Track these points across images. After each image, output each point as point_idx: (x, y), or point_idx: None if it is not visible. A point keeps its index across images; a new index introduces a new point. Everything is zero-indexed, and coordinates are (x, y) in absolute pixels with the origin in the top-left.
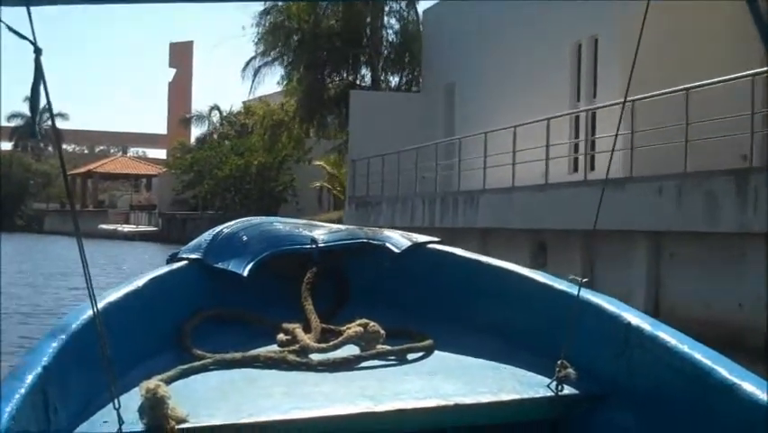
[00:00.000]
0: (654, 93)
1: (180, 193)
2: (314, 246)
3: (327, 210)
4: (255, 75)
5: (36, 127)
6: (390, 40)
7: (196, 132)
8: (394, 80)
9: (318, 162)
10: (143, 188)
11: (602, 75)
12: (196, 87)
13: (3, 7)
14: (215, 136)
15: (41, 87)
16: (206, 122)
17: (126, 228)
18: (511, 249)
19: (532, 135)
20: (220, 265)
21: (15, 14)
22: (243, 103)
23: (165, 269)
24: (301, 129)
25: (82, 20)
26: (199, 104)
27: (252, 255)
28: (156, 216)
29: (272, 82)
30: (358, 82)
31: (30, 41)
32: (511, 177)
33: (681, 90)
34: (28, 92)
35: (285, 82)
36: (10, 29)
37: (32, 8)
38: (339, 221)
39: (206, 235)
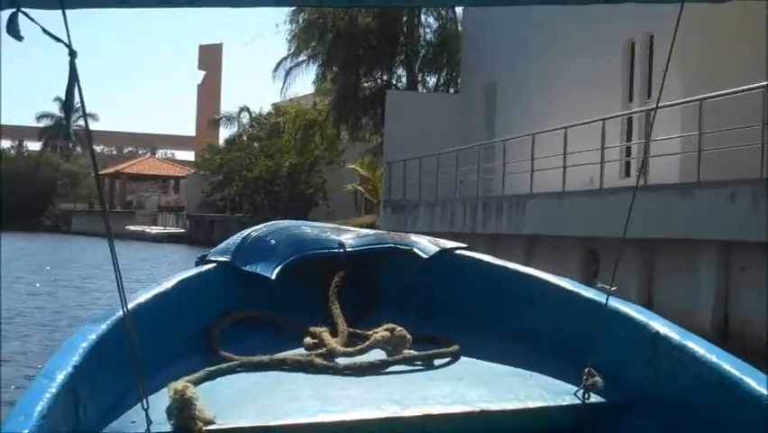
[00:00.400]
0: (722, 92)
1: (209, 195)
2: (341, 250)
3: (360, 214)
4: (287, 76)
5: (70, 129)
6: (428, 38)
7: (225, 133)
8: (431, 81)
9: (351, 165)
10: (171, 190)
11: (658, 74)
12: (225, 89)
13: (37, 10)
14: (245, 138)
15: (76, 90)
16: (236, 123)
17: (154, 230)
18: (559, 257)
19: (579, 138)
20: (248, 268)
21: (48, 16)
22: (273, 105)
23: (194, 271)
24: (334, 129)
25: (112, 21)
26: (229, 105)
27: (280, 259)
28: (184, 217)
29: (304, 84)
30: (394, 82)
31: (65, 44)
32: (559, 181)
33: (757, 89)
34: (58, 93)
35: (318, 81)
36: (46, 32)
37: (66, 11)
38: (372, 225)
39: (235, 238)
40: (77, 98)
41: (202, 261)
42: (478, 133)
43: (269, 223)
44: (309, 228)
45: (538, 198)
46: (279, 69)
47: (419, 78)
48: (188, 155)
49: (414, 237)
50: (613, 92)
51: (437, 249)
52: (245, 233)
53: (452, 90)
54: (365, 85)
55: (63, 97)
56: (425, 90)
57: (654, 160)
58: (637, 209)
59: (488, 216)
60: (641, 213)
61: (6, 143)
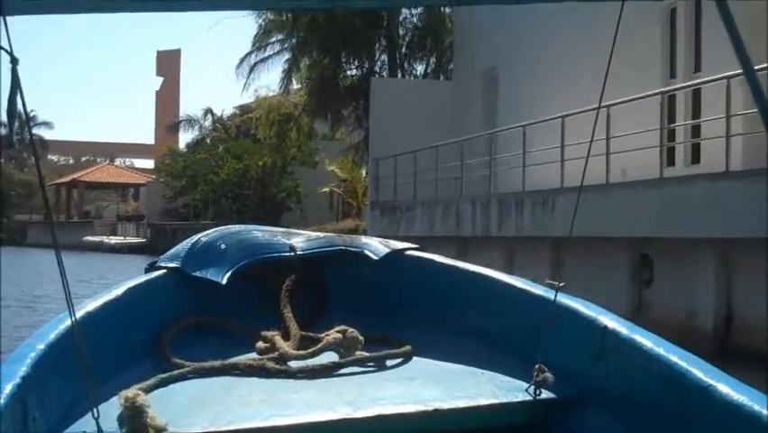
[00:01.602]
0: None
1: (172, 200)
2: (292, 254)
3: (337, 219)
4: (251, 72)
5: (14, 137)
6: (413, 22)
7: (187, 138)
8: (419, 68)
9: (330, 167)
10: (131, 198)
11: (709, 43)
12: (184, 96)
13: None
14: (208, 141)
15: (18, 97)
16: (197, 126)
17: (113, 240)
18: (601, 263)
19: (603, 124)
20: (198, 274)
21: None
22: (237, 107)
23: (143, 278)
24: (312, 124)
25: (67, 29)
26: (188, 111)
27: (231, 264)
28: (144, 226)
29: (269, 79)
30: (377, 70)
31: (6, 51)
32: (575, 174)
33: None
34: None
35: (287, 73)
36: None
37: (8, 18)
38: (356, 231)
39: (184, 244)
40: (20, 106)
41: (152, 267)
42: (475, 123)
43: (219, 228)
44: (260, 232)
45: (572, 194)
46: (243, 66)
47: (404, 66)
48: (148, 164)
49: (364, 239)
50: (649, 68)
51: (388, 250)
52: (195, 238)
53: (441, 79)
54: (346, 73)
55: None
56: (411, 78)
57: (708, 145)
58: (712, 203)
59: (505, 217)
60: (716, 208)
61: None
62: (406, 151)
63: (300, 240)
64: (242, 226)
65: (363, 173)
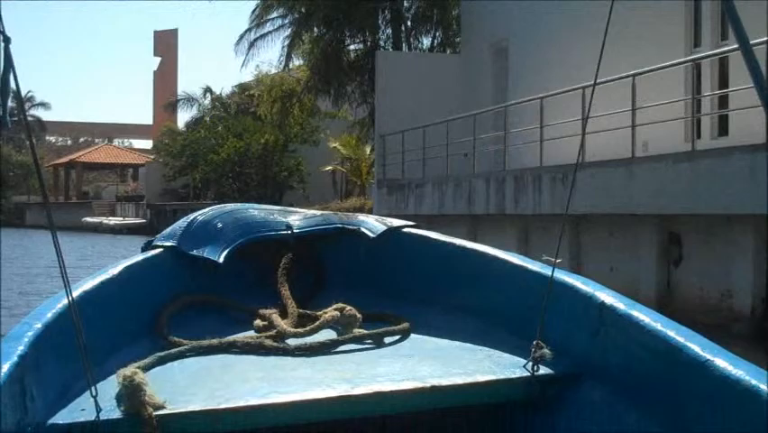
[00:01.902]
0: None
1: (171, 180)
2: (289, 232)
3: (342, 198)
4: (250, 48)
5: (7, 117)
6: None
7: (185, 117)
8: (425, 42)
9: (333, 144)
10: (130, 179)
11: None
12: (182, 75)
13: None
14: (207, 119)
15: (11, 77)
16: (196, 105)
17: (112, 221)
18: (626, 241)
19: (620, 95)
20: (195, 252)
21: None
22: (237, 85)
23: (140, 257)
24: (315, 100)
25: (64, 9)
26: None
27: (227, 242)
28: (144, 207)
29: (269, 58)
30: (382, 44)
31: None
32: (592, 149)
33: None
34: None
35: (287, 49)
36: None
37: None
38: (361, 209)
39: (181, 223)
40: (14, 86)
41: (148, 246)
42: (485, 97)
43: (215, 206)
44: (256, 211)
45: (594, 169)
46: (242, 43)
47: (410, 40)
48: (147, 144)
49: (361, 217)
50: (671, 37)
51: (384, 228)
52: (191, 217)
53: (448, 53)
54: (350, 48)
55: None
56: (418, 52)
57: (737, 116)
58: (741, 177)
59: (521, 193)
60: (748, 182)
61: None
62: (414, 126)
63: (297, 218)
64: (239, 205)
65: (368, 151)
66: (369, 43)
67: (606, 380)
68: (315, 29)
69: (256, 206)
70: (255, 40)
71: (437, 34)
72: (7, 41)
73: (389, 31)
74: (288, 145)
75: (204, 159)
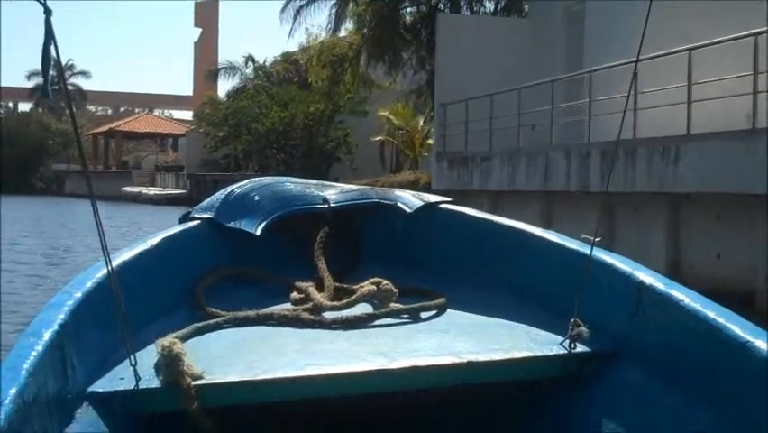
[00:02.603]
0: None
1: (213, 150)
2: (326, 206)
3: (392, 171)
4: (296, 16)
5: (48, 87)
6: None
7: (226, 86)
8: (487, 6)
9: (383, 113)
10: (170, 149)
11: None
12: (222, 47)
13: None
14: (250, 88)
15: (52, 48)
16: (238, 74)
17: (152, 191)
18: (738, 223)
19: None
20: (232, 225)
21: None
22: (283, 53)
23: (178, 228)
24: (368, 66)
25: None
26: (230, 56)
27: (265, 215)
28: (184, 177)
29: (318, 23)
30: (441, 8)
31: (40, 2)
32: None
33: None
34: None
35: (338, 13)
36: None
37: None
38: (417, 184)
39: (218, 195)
40: (55, 57)
41: (186, 218)
42: (556, 65)
43: (252, 179)
44: (293, 184)
45: (703, 142)
46: (288, 10)
47: (472, 3)
48: (186, 115)
49: (398, 192)
50: None
51: (422, 203)
52: (229, 189)
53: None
54: (407, 11)
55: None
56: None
57: None
58: None
59: (607, 169)
60: None
61: None
62: (478, 95)
63: (333, 192)
64: (276, 178)
65: (421, 122)
66: (427, 6)
67: (644, 359)
68: None
69: (293, 179)
70: (301, 7)
71: None
72: (48, 12)
73: None
74: (336, 116)
75: (247, 128)
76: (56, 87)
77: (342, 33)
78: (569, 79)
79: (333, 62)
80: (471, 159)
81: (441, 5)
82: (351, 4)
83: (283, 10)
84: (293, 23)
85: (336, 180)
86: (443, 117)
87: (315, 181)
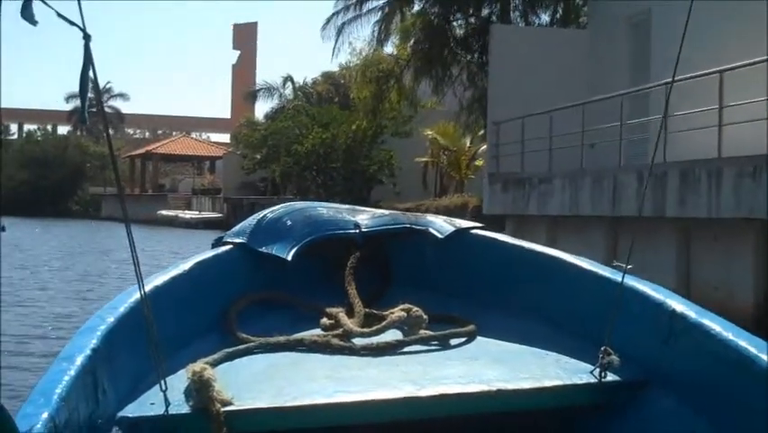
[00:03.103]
0: None
1: (251, 171)
2: (357, 231)
3: (435, 194)
4: (339, 34)
5: (86, 112)
6: None
7: (264, 108)
8: (543, 18)
9: (428, 132)
10: (207, 172)
11: None
12: (261, 69)
13: None
14: (289, 109)
15: (90, 73)
16: (277, 95)
17: (188, 215)
18: None
19: None
20: (264, 249)
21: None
22: (323, 73)
23: (210, 253)
24: (415, 82)
25: (146, 2)
26: (268, 77)
27: (296, 240)
28: (220, 201)
29: (362, 40)
30: (494, 20)
31: (79, 27)
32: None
33: None
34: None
35: (382, 26)
36: (60, 15)
37: None
38: (465, 208)
39: (251, 220)
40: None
41: (218, 243)
42: (619, 78)
43: (285, 204)
44: (325, 209)
45: None
46: (329, 27)
47: (527, 14)
48: (224, 138)
49: (430, 217)
50: None
51: (453, 228)
52: (261, 214)
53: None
54: (457, 23)
55: (91, 78)
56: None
57: None
58: None
59: (688, 192)
60: None
61: (33, 126)
62: (534, 112)
63: (365, 217)
64: (308, 203)
65: (468, 142)
66: (477, 18)
67: (675, 388)
68: (417, 2)
69: (325, 204)
70: (344, 23)
71: (558, 8)
72: (87, 37)
73: (501, 4)
74: (378, 136)
75: (286, 150)
76: (94, 110)
77: (387, 49)
78: (633, 95)
79: (379, 78)
80: (528, 181)
81: (493, 17)
82: (397, 17)
83: (324, 27)
84: (336, 41)
85: (378, 204)
86: (495, 136)
87: (346, 206)
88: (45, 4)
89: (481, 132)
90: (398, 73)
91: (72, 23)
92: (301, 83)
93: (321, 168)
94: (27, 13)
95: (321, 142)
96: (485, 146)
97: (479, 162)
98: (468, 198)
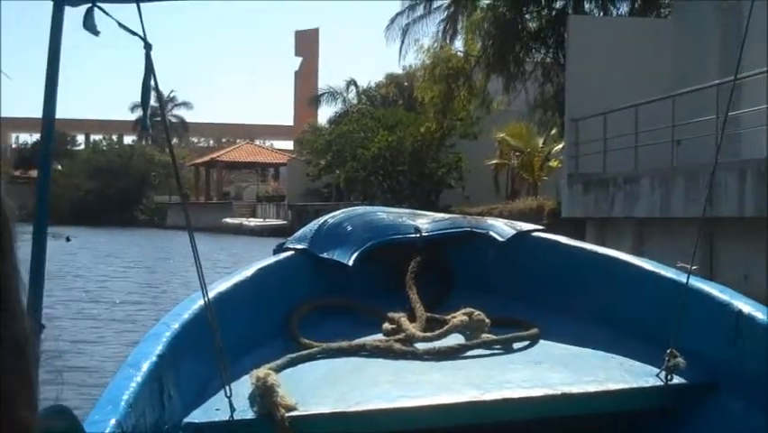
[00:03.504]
0: None
1: (317, 177)
2: (418, 235)
3: (507, 197)
4: (404, 35)
5: (147, 120)
6: None
7: (327, 112)
8: (622, 8)
9: (499, 135)
10: (271, 179)
11: None
12: (323, 75)
13: (115, 4)
14: (354, 113)
15: (152, 82)
16: (340, 99)
17: (252, 222)
18: None
19: None
20: (326, 255)
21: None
22: (387, 75)
23: (272, 259)
24: (487, 80)
25: (206, 11)
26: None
27: (357, 245)
28: (285, 208)
29: (429, 35)
30: (568, 11)
31: (140, 37)
32: None
33: None
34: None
35: (448, 22)
36: (121, 25)
37: (142, 4)
38: (541, 211)
39: (312, 225)
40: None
41: (280, 249)
42: (708, 70)
43: (345, 209)
44: (385, 214)
45: None
46: (393, 28)
47: (606, 4)
48: (287, 145)
49: (490, 221)
50: None
51: (514, 231)
52: (322, 220)
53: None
54: (528, 16)
55: (153, 87)
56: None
57: None
58: None
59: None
60: None
61: (98, 137)
62: (617, 107)
63: (425, 221)
64: (368, 208)
65: (540, 143)
66: (549, 9)
67: (744, 390)
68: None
69: (384, 208)
70: (408, 24)
71: None
72: (148, 47)
73: None
74: (446, 138)
75: (351, 155)
76: (158, 119)
77: (457, 45)
78: (721, 87)
79: (448, 76)
80: (613, 181)
81: (568, 9)
82: (464, 14)
83: (388, 28)
84: (402, 42)
85: (449, 209)
86: (574, 134)
87: (407, 210)
88: (106, 14)
89: (553, 131)
90: (468, 71)
91: (133, 33)
92: (365, 87)
93: (387, 172)
94: (89, 24)
95: (387, 145)
96: (559, 146)
97: (553, 163)
98: (543, 201)
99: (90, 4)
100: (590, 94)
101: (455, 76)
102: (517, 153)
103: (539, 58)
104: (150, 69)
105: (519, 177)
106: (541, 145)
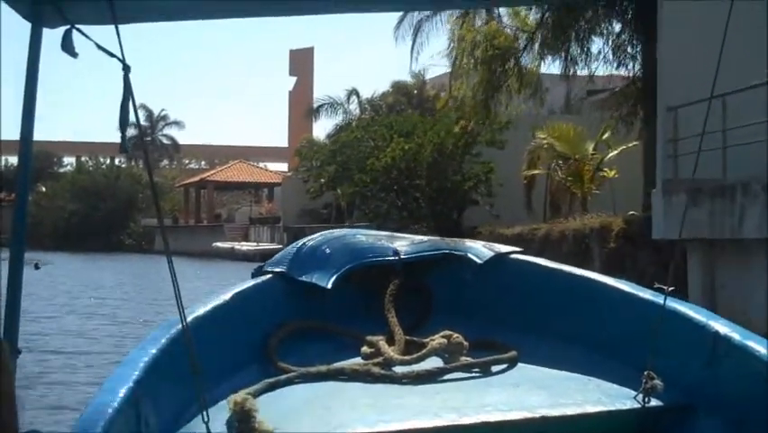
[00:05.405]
0: None
1: (317, 195)
2: (396, 258)
3: (552, 215)
4: (416, 33)
5: (125, 141)
6: None
7: (325, 126)
8: None
9: (541, 137)
10: (265, 200)
11: None
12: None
13: (93, 26)
14: (354, 125)
15: (130, 104)
16: (341, 110)
17: (245, 246)
18: None
19: None
20: (304, 278)
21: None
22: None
23: (250, 283)
24: (542, 57)
25: (198, 31)
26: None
27: (336, 268)
28: (280, 230)
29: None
30: None
31: (118, 59)
32: None
33: None
34: (139, 101)
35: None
36: (99, 47)
37: (121, 26)
38: (606, 233)
39: (290, 249)
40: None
41: (258, 272)
42: None
43: (324, 232)
44: (364, 236)
45: None
46: (403, 26)
47: None
48: (281, 167)
49: (468, 243)
50: None
51: (492, 254)
52: (300, 243)
53: None
54: None
55: (139, 106)
56: None
57: None
58: None
59: None
60: None
61: (84, 158)
62: (729, 91)
63: (404, 244)
64: (347, 230)
65: (590, 148)
66: None
67: (721, 412)
68: None
69: (363, 231)
70: (421, 20)
71: None
72: (127, 69)
73: None
74: (472, 147)
75: (358, 167)
76: (149, 139)
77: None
78: None
79: (492, 59)
80: (743, 188)
81: None
82: None
83: (398, 26)
84: (413, 41)
85: (477, 232)
86: (671, 127)
87: (385, 233)
88: (84, 35)
89: (606, 134)
90: (519, 51)
91: (112, 55)
92: (369, 97)
93: (402, 187)
94: (67, 45)
95: (403, 154)
96: (615, 152)
97: (608, 173)
98: (610, 219)
99: (69, 27)
100: (689, 77)
101: (502, 57)
102: (560, 162)
103: (618, 31)
104: (128, 91)
105: (561, 190)
106: (591, 151)
